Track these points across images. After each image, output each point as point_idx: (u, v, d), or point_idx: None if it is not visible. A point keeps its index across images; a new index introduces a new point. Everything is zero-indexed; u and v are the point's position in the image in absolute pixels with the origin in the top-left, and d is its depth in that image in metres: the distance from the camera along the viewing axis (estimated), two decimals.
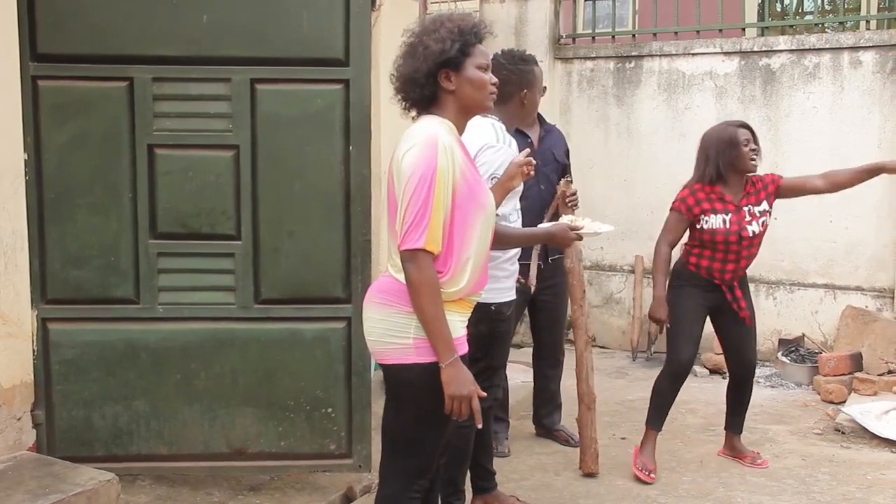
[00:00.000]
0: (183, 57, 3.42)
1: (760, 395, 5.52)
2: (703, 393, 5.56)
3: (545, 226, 3.07)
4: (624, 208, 6.49)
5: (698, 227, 3.97)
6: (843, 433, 4.63)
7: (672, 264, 4.11)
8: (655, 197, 6.55)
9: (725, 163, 3.90)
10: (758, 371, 5.95)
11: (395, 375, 2.43)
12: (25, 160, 3.40)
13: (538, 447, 4.44)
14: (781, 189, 4.00)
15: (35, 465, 3.26)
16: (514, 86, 3.70)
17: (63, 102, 3.42)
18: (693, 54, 6.42)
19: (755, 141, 3.95)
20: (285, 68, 3.46)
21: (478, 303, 2.59)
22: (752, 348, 4.16)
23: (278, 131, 3.49)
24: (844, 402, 5.09)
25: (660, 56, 6.54)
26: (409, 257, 2.28)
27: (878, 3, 9.02)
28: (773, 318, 6.13)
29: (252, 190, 3.50)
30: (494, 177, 3.11)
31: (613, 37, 6.91)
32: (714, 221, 3.93)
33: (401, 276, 2.35)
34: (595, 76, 6.76)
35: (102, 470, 3.23)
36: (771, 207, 4.00)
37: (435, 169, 2.28)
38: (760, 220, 3.95)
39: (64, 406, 3.54)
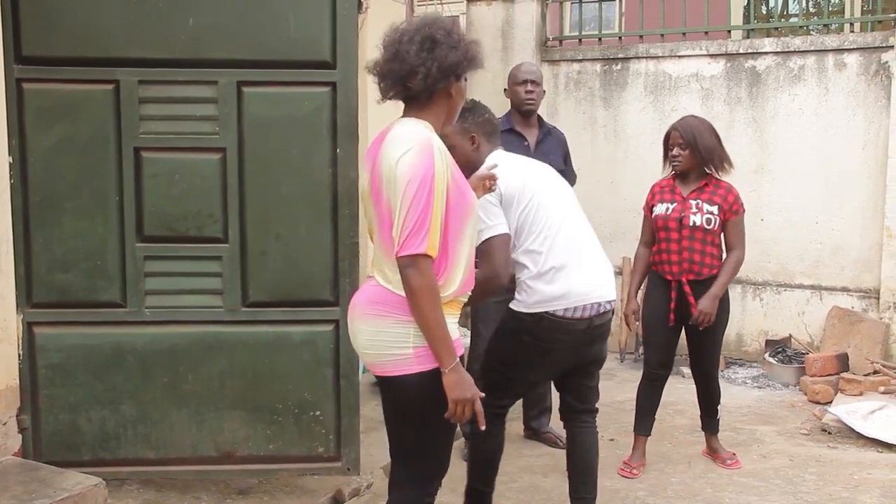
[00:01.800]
0: (169, 59, 3.41)
1: (748, 395, 5.55)
2: (691, 394, 5.54)
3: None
4: (611, 210, 6.51)
5: (652, 216, 4.10)
6: (829, 433, 4.65)
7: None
8: (642, 199, 6.54)
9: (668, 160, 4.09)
10: (745, 372, 6.03)
11: (397, 387, 2.38)
12: (10, 164, 3.38)
13: (526, 449, 4.45)
14: (726, 223, 3.98)
15: (21, 470, 3.24)
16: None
17: (48, 105, 3.41)
18: (679, 56, 6.44)
19: (685, 144, 3.97)
20: (272, 71, 3.46)
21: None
22: (706, 354, 4.16)
23: (265, 134, 3.48)
24: (831, 402, 5.11)
25: (646, 58, 6.56)
26: (410, 263, 2.24)
27: (862, 6, 9.08)
28: (759, 318, 6.16)
29: (239, 193, 3.50)
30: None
31: (600, 39, 6.93)
32: (659, 209, 4.06)
33: (392, 286, 2.33)
34: (582, 78, 6.78)
35: (89, 474, 3.22)
36: (721, 218, 3.95)
37: (433, 173, 2.26)
38: (705, 217, 3.93)
39: (50, 410, 3.52)
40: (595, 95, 6.73)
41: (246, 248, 3.52)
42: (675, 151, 4.01)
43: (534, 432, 4.58)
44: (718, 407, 4.30)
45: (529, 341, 3.08)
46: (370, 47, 5.22)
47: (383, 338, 2.35)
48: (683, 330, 4.12)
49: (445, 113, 2.48)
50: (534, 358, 3.15)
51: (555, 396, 4.55)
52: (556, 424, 4.52)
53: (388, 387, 2.43)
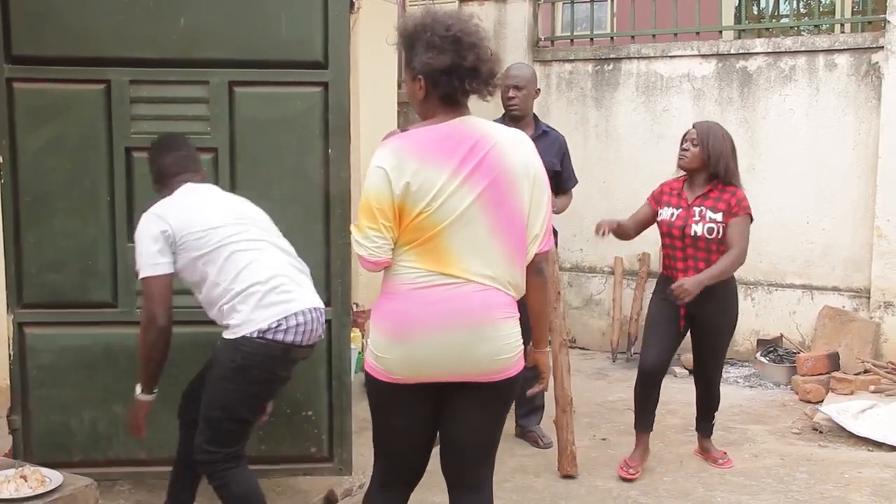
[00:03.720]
0: (160, 59, 3.41)
1: (739, 395, 5.56)
2: (683, 394, 5.57)
3: None
4: (603, 210, 6.50)
5: (658, 219, 4.08)
6: (820, 432, 4.67)
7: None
8: (634, 199, 6.54)
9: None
10: (736, 371, 6.04)
11: (513, 384, 2.41)
12: (1, 164, 3.37)
13: (518, 449, 4.45)
14: (727, 225, 3.88)
15: None
16: None
17: (39, 105, 3.40)
18: (671, 57, 6.46)
19: (697, 142, 3.91)
20: (264, 71, 3.45)
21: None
22: (710, 360, 4.13)
23: (257, 134, 3.48)
24: (822, 401, 5.13)
25: (638, 58, 6.57)
26: (546, 257, 2.45)
27: (853, 7, 9.11)
28: (751, 318, 6.17)
29: (231, 193, 3.48)
30: None
31: (592, 39, 6.94)
32: (664, 213, 4.03)
33: (504, 287, 2.33)
34: (574, 78, 6.79)
35: (80, 475, 3.20)
36: (724, 225, 3.86)
37: None
38: (707, 226, 3.88)
39: (41, 411, 3.51)
40: (587, 96, 6.74)
41: None
42: (686, 146, 3.96)
43: (522, 430, 4.59)
44: (716, 413, 4.30)
45: None
46: (362, 47, 5.25)
47: (514, 339, 2.37)
48: (690, 335, 4.09)
49: None
50: None
51: (548, 395, 4.58)
52: (544, 424, 4.53)
53: (502, 387, 2.39)
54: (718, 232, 3.88)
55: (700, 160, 3.93)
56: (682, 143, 4.00)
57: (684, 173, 4.05)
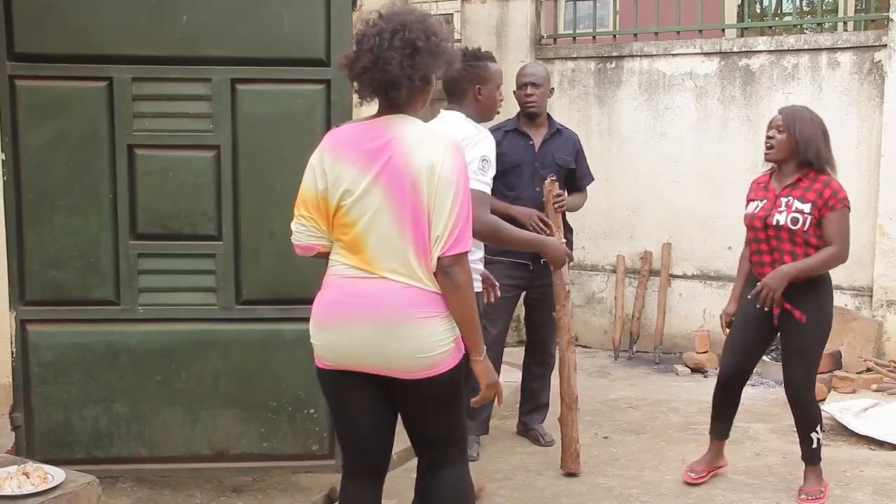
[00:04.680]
0: (163, 57, 3.40)
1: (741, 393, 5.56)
2: (686, 392, 5.59)
3: (545, 237, 3.28)
4: (605, 208, 6.52)
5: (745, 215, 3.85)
6: (822, 431, 4.66)
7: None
8: (636, 197, 6.59)
9: None
10: None
11: (443, 381, 2.44)
12: (3, 161, 3.37)
13: (520, 447, 4.45)
14: (822, 219, 3.62)
15: None
16: (468, 82, 3.66)
17: (41, 102, 3.39)
18: (673, 55, 6.45)
19: (783, 127, 3.66)
20: (266, 68, 3.45)
21: None
22: (793, 365, 3.75)
23: (259, 131, 3.48)
24: (824, 400, 5.12)
25: (640, 56, 6.57)
26: (457, 261, 2.34)
27: (856, 5, 9.09)
28: None
29: (233, 190, 3.49)
30: (486, 158, 3.24)
31: (594, 37, 6.94)
32: (749, 208, 3.80)
33: (424, 285, 2.37)
34: (576, 76, 6.78)
35: (83, 472, 3.20)
36: (815, 216, 3.60)
37: (467, 173, 2.41)
38: (791, 216, 3.60)
39: (43, 408, 3.51)
40: (589, 94, 6.74)
41: (240, 246, 3.52)
42: (770, 133, 3.68)
43: (524, 427, 4.59)
44: (814, 434, 3.78)
45: None
46: None
47: (436, 337, 2.39)
48: (780, 337, 3.81)
49: (421, 104, 2.49)
50: None
51: (551, 393, 4.58)
52: (547, 423, 4.53)
53: (433, 385, 2.44)
54: (805, 223, 3.59)
55: (788, 148, 3.64)
56: (766, 132, 3.72)
57: (772, 166, 3.78)
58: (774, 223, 3.64)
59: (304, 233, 2.50)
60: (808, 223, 3.60)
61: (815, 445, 3.79)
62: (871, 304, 5.79)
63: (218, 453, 3.59)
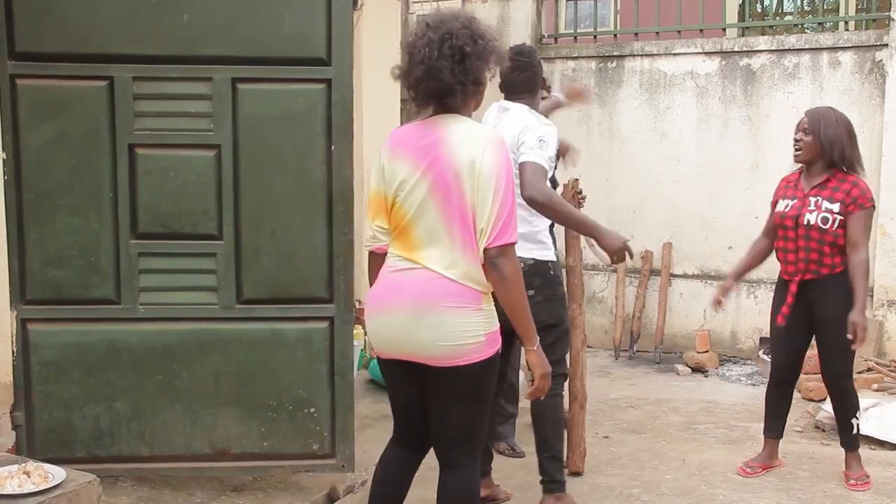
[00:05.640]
0: (164, 56, 3.40)
1: (742, 392, 5.56)
2: (686, 391, 5.59)
3: (603, 227, 3.40)
4: (605, 208, 6.51)
5: (774, 212, 3.95)
6: (823, 430, 4.67)
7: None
8: (637, 196, 6.59)
9: None
10: (739, 369, 6.05)
11: (469, 374, 2.50)
12: (4, 160, 3.37)
13: (522, 445, 4.44)
14: (847, 217, 3.71)
15: None
16: (538, 77, 3.76)
17: (42, 101, 3.40)
18: (674, 54, 6.45)
19: (809, 130, 3.78)
20: (267, 67, 3.45)
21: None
22: (831, 356, 3.87)
23: (260, 131, 3.48)
24: (825, 399, 5.11)
25: (641, 56, 6.57)
26: (503, 252, 2.42)
27: (857, 4, 9.10)
28: (754, 316, 6.17)
29: (234, 190, 3.49)
30: (542, 139, 3.36)
31: (595, 37, 6.94)
32: (780, 206, 3.89)
33: (463, 277, 2.46)
34: (577, 76, 6.78)
35: (83, 471, 3.21)
36: (842, 217, 3.70)
37: (510, 168, 2.47)
38: (822, 216, 3.71)
39: (44, 407, 3.51)
40: (590, 93, 6.73)
41: (240, 245, 3.52)
42: (798, 136, 3.80)
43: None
44: (854, 420, 3.93)
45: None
46: (365, 44, 5.24)
47: (462, 328, 2.46)
48: (815, 334, 3.92)
49: (475, 105, 2.60)
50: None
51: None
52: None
53: (458, 375, 2.51)
54: (834, 223, 3.69)
55: (814, 149, 3.76)
56: (794, 135, 3.84)
57: (801, 165, 3.88)
58: (805, 223, 3.74)
59: (375, 236, 2.63)
60: (836, 223, 3.70)
61: (854, 431, 3.95)
62: (871, 304, 5.78)
63: (218, 452, 3.59)
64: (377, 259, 2.64)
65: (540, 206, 3.27)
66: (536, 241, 3.47)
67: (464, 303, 2.46)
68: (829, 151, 3.73)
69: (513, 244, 2.44)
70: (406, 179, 2.49)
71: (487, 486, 3.67)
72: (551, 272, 3.52)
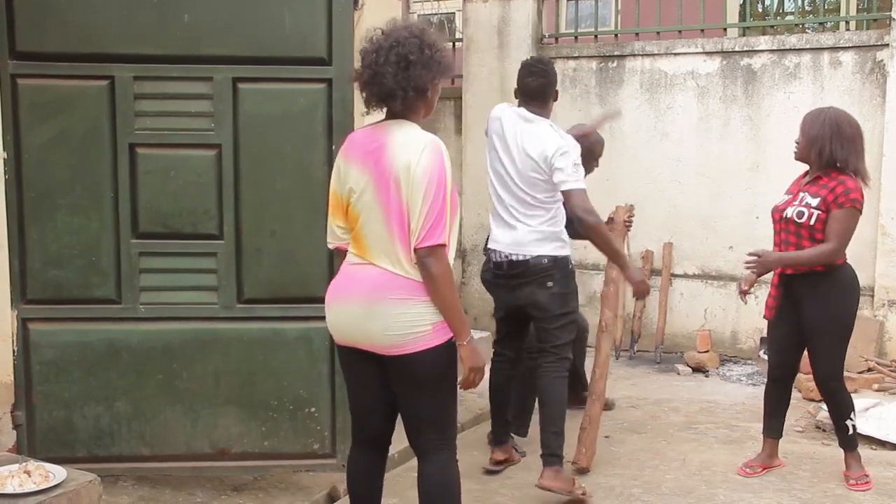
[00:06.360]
0: (164, 55, 3.40)
1: (742, 392, 5.56)
2: (686, 391, 5.59)
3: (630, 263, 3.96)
4: (606, 208, 6.48)
5: None
6: (823, 430, 4.66)
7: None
8: (637, 196, 6.56)
9: None
10: (739, 369, 6.05)
11: (421, 361, 2.62)
12: (5, 159, 3.37)
13: (523, 445, 4.45)
14: (828, 215, 3.73)
15: None
16: (553, 86, 3.96)
17: (43, 101, 3.40)
18: (675, 54, 6.45)
19: (801, 130, 3.87)
20: (267, 67, 3.45)
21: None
22: (819, 357, 3.89)
23: (261, 130, 3.48)
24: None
25: (642, 56, 6.57)
26: (431, 252, 2.54)
27: (858, 4, 9.11)
28: (754, 316, 6.15)
29: (234, 189, 3.49)
30: (577, 163, 3.70)
31: (596, 36, 6.93)
32: (778, 200, 3.98)
33: (408, 272, 2.59)
34: (578, 76, 6.78)
35: (84, 471, 3.21)
36: (821, 212, 3.72)
37: (445, 173, 2.56)
38: (798, 210, 3.77)
39: (45, 407, 3.51)
40: (591, 93, 6.73)
41: (241, 245, 3.52)
42: (798, 137, 3.90)
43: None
44: (848, 422, 3.92)
45: None
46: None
47: (406, 318, 2.59)
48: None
49: (424, 111, 2.71)
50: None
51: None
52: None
53: (409, 363, 2.64)
54: (810, 218, 3.73)
55: (803, 149, 3.86)
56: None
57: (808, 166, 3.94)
58: (784, 216, 3.83)
59: (335, 234, 2.79)
60: (814, 218, 3.74)
61: (850, 432, 3.95)
62: (872, 304, 5.78)
63: (219, 452, 3.60)
64: (340, 255, 2.80)
65: (587, 227, 3.68)
66: (559, 239, 3.83)
67: (409, 295, 2.59)
68: (810, 149, 3.81)
69: (442, 245, 2.54)
70: (355, 184, 2.65)
71: (505, 451, 4.08)
72: (570, 267, 3.87)
